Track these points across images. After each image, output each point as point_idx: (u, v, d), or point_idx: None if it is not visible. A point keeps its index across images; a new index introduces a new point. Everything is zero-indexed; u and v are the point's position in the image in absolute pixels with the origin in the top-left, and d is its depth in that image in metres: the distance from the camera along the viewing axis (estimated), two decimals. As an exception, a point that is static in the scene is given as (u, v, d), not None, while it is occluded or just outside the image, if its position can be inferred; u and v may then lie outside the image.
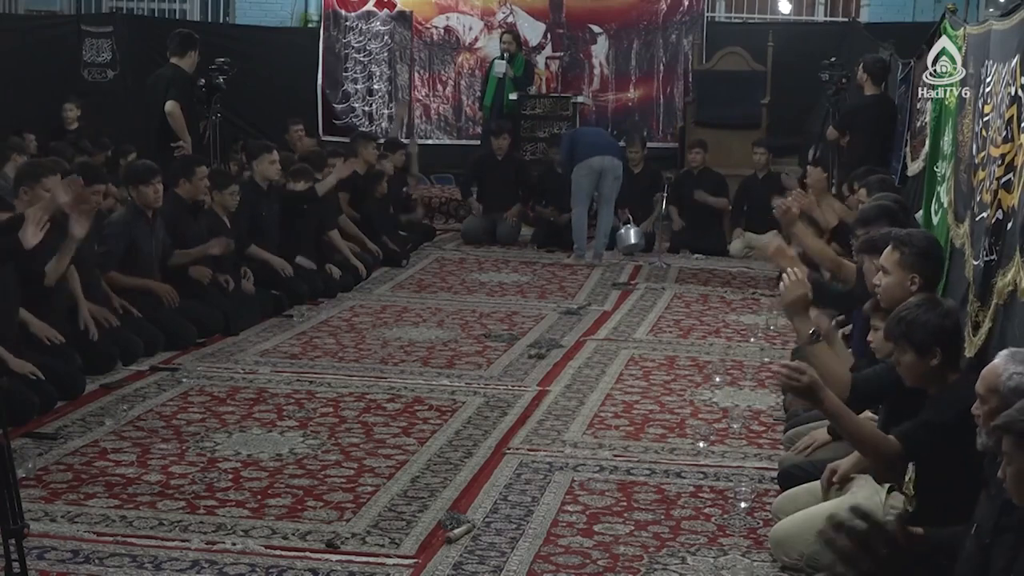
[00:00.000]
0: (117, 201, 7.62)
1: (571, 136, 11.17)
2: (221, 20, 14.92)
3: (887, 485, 4.22)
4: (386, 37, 14.38)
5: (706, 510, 4.93)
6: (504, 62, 12.57)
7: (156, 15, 14.99)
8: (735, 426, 6.06)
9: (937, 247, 4.75)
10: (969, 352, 5.01)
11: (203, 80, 9.38)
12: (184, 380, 6.68)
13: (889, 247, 4.64)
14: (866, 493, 4.32)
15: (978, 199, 5.54)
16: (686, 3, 14.04)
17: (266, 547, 4.44)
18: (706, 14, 14.20)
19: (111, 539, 4.46)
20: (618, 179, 10.84)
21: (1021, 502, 2.99)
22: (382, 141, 11.84)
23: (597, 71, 14.24)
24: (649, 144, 12.90)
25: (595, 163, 10.70)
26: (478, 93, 13.66)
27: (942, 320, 3.89)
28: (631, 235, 11.16)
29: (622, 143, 12.13)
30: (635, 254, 11.16)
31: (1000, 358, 3.44)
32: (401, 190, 11.61)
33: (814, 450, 4.82)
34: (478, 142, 13.32)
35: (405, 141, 12.11)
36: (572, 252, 10.96)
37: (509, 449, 5.64)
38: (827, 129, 9.62)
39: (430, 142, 14.19)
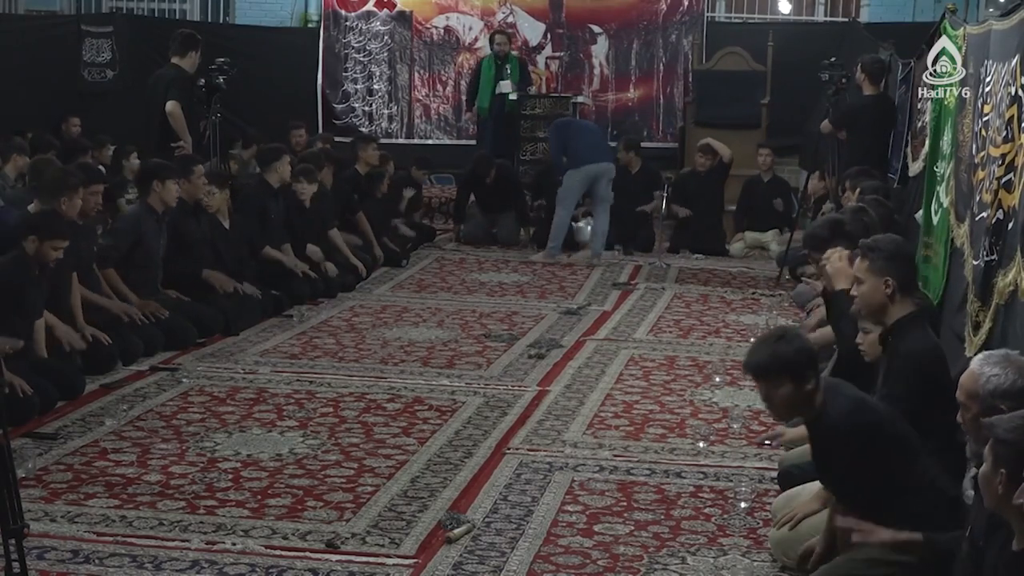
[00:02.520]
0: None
1: (563, 131, 11.09)
2: (221, 20, 14.91)
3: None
4: (386, 37, 14.37)
5: (706, 510, 4.92)
6: (509, 82, 12.53)
7: (156, 15, 14.98)
8: (735, 426, 6.06)
9: (904, 247, 4.75)
10: (969, 352, 5.01)
11: (203, 80, 9.37)
12: (184, 380, 6.68)
13: (859, 258, 4.66)
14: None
15: (978, 199, 5.55)
16: (686, 3, 14.04)
17: (266, 547, 4.44)
18: (706, 14, 14.20)
19: (111, 539, 4.46)
20: (611, 180, 10.97)
21: (986, 503, 3.02)
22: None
23: (597, 71, 14.24)
24: (649, 144, 12.90)
25: (592, 170, 10.81)
26: (466, 90, 13.55)
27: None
28: (587, 231, 11.24)
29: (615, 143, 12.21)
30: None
31: (976, 363, 3.46)
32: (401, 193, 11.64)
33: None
34: (476, 142, 13.29)
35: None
36: (546, 249, 10.99)
37: (509, 449, 5.64)
38: (822, 124, 9.64)
39: (430, 142, 14.20)
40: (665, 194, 11.47)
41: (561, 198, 10.92)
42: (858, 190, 7.48)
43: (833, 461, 3.99)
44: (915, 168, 8.16)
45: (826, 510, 4.25)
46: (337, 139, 13.11)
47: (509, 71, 12.50)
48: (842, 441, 3.88)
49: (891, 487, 3.87)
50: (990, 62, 5.59)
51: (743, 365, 4.20)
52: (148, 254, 7.52)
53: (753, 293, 9.70)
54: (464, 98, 13.54)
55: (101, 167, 10.56)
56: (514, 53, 13.02)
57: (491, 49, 12.82)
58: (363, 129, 13.91)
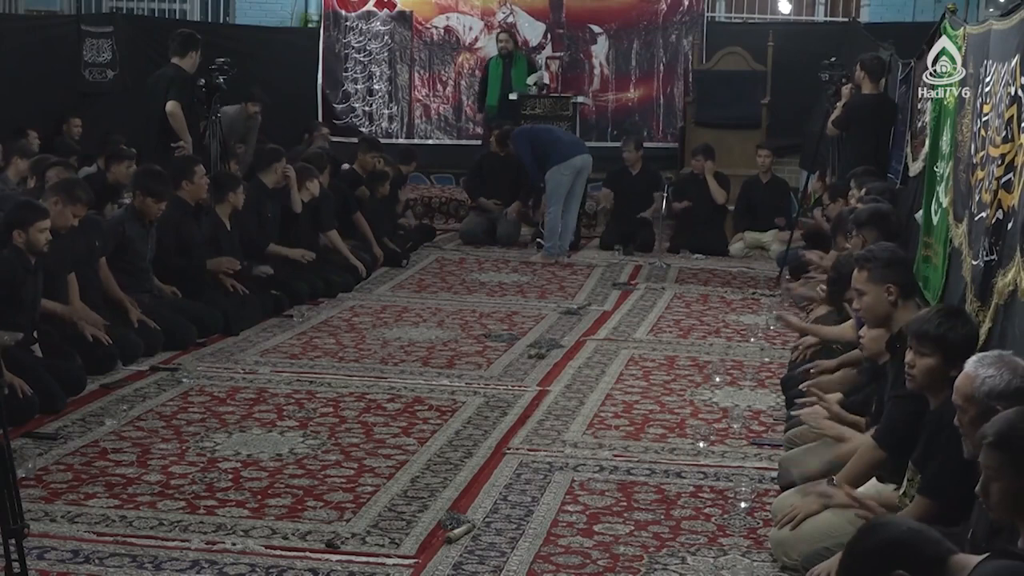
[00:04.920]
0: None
1: (529, 137, 11.14)
2: (221, 20, 14.92)
3: (891, 485, 4.22)
4: (386, 37, 14.38)
5: (706, 510, 4.92)
6: (542, 73, 12.76)
7: (156, 15, 14.99)
8: (735, 426, 6.07)
9: (899, 252, 4.79)
10: (970, 352, 5.00)
11: (203, 80, 9.37)
12: (184, 380, 6.68)
13: (856, 270, 4.69)
14: (868, 493, 4.32)
15: (977, 199, 5.55)
16: (686, 3, 14.04)
17: (266, 547, 4.44)
18: (706, 14, 14.20)
19: (111, 539, 4.46)
20: (588, 175, 11.13)
21: (999, 516, 2.98)
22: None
23: (597, 71, 14.24)
24: (649, 144, 12.91)
25: (577, 163, 10.90)
26: (476, 93, 13.66)
27: (975, 337, 3.97)
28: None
29: (618, 144, 12.26)
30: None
31: (970, 365, 3.46)
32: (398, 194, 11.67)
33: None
34: (478, 142, 13.33)
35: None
36: (543, 250, 10.99)
37: (509, 449, 5.64)
38: (827, 127, 9.63)
39: (430, 142, 14.21)
40: (665, 194, 11.48)
41: (550, 196, 10.95)
42: (864, 189, 7.50)
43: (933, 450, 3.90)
44: (915, 168, 8.16)
45: (828, 511, 4.24)
46: (338, 139, 13.13)
47: (507, 59, 12.58)
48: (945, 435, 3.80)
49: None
50: (990, 62, 5.59)
51: (906, 326, 4.11)
52: (133, 259, 7.50)
53: (753, 293, 9.70)
54: (474, 101, 13.65)
55: None
56: (520, 52, 13.09)
57: (496, 48, 12.92)
58: (363, 129, 13.94)
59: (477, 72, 13.88)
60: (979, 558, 2.92)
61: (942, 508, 3.76)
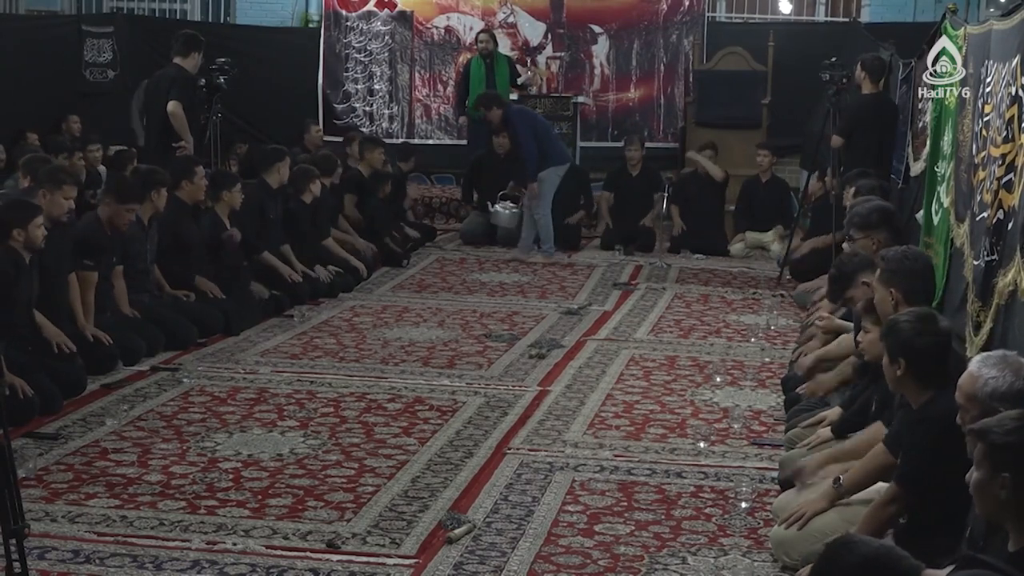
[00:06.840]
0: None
1: (531, 124, 11.01)
2: (221, 20, 14.91)
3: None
4: (387, 37, 14.37)
5: (707, 510, 4.92)
6: (529, 73, 12.78)
7: (156, 15, 14.97)
8: (736, 426, 6.07)
9: (912, 262, 4.73)
10: (971, 352, 5.01)
11: (204, 80, 9.37)
12: (185, 380, 6.69)
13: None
14: (867, 498, 4.32)
15: (978, 199, 5.55)
16: (686, 3, 14.03)
17: (266, 547, 4.44)
18: (706, 14, 14.18)
19: (111, 539, 4.47)
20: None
21: (980, 511, 2.99)
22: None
23: (598, 71, 14.23)
24: (649, 144, 12.90)
25: (563, 169, 10.97)
26: (455, 95, 13.56)
27: (915, 337, 3.93)
28: (502, 217, 11.37)
29: (621, 143, 12.25)
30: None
31: (973, 364, 3.46)
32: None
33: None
34: (466, 142, 13.25)
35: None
36: (543, 250, 10.98)
37: (510, 449, 5.64)
38: (828, 134, 9.62)
39: (430, 142, 14.20)
40: (666, 195, 11.47)
41: (542, 197, 10.89)
42: (854, 189, 7.51)
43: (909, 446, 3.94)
44: (916, 168, 8.16)
45: (834, 509, 4.25)
46: (338, 139, 13.11)
47: (487, 59, 12.53)
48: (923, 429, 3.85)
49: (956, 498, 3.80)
50: (991, 62, 5.59)
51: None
52: (133, 260, 7.49)
53: (754, 293, 9.70)
54: (456, 104, 13.58)
55: (102, 167, 10.61)
56: (504, 52, 13.04)
57: (476, 48, 12.88)
58: (364, 129, 13.90)
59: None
60: (945, 571, 2.93)
61: (910, 498, 3.85)
